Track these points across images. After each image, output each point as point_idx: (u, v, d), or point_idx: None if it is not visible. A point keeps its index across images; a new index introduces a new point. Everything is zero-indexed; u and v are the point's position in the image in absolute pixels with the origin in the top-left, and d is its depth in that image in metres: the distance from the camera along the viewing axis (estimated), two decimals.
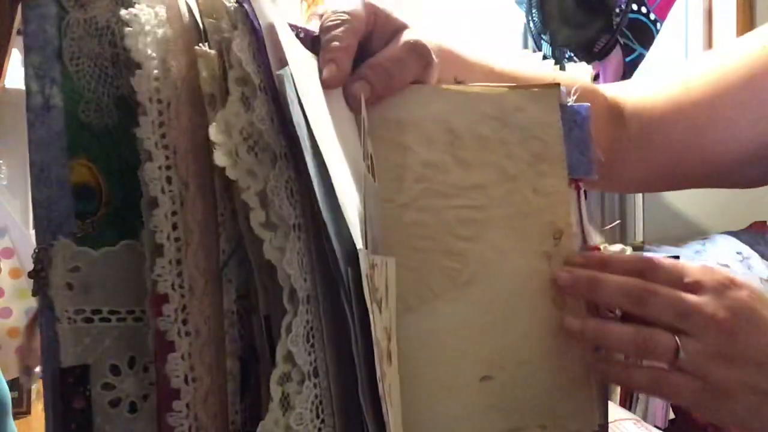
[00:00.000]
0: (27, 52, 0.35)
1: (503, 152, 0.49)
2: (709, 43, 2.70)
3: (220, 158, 0.33)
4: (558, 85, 0.51)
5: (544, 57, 2.39)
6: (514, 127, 0.50)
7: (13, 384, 1.26)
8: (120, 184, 0.37)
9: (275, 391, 0.31)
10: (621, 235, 2.56)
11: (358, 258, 0.32)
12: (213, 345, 0.34)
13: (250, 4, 0.36)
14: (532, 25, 2.45)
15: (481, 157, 0.49)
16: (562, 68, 0.65)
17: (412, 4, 2.33)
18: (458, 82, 0.52)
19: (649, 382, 0.49)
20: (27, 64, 0.35)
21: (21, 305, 1.24)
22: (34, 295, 0.34)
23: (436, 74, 0.51)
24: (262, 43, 0.35)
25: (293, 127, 0.34)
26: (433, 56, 0.50)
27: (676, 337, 0.49)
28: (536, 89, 0.52)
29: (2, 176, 1.18)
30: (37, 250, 0.34)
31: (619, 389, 1.80)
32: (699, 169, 0.65)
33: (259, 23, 0.35)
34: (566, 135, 0.50)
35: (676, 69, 0.67)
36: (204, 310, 0.34)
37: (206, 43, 0.36)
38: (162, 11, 0.35)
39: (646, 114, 0.65)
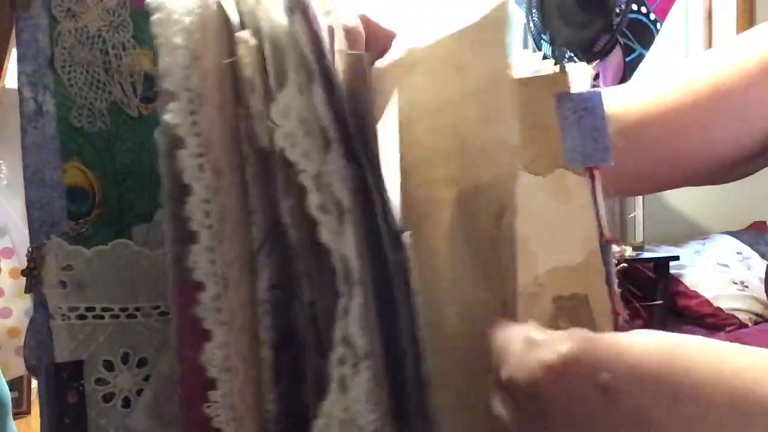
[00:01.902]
0: (20, 60, 0.36)
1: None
2: (709, 43, 2.70)
3: (280, 140, 0.33)
4: (565, 72, 0.50)
5: (544, 57, 2.39)
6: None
7: (13, 384, 1.27)
8: (114, 185, 0.38)
9: (334, 373, 0.32)
10: (621, 235, 2.56)
11: (401, 241, 0.33)
12: (247, 334, 0.34)
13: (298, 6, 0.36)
14: (532, 25, 2.46)
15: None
16: (563, 68, 0.64)
17: (412, 4, 2.33)
18: None
19: None
20: (20, 72, 0.36)
21: (21, 305, 1.25)
22: (27, 292, 0.35)
23: None
24: (318, 29, 0.35)
25: (354, 111, 0.35)
26: None
27: None
28: (541, 76, 0.50)
29: (2, 176, 1.19)
30: (30, 249, 0.35)
31: None
32: (675, 172, 0.65)
33: (313, 10, 0.36)
34: (576, 123, 0.50)
35: (656, 74, 0.68)
36: (237, 299, 0.34)
37: (243, 31, 0.36)
38: (203, 6, 0.36)
39: (622, 119, 0.65)
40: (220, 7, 0.37)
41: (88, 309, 0.36)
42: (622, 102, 0.65)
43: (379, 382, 0.33)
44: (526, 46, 2.56)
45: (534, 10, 2.43)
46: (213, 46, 0.36)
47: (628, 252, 2.43)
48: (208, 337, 0.33)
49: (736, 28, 2.59)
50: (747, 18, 2.61)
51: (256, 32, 0.36)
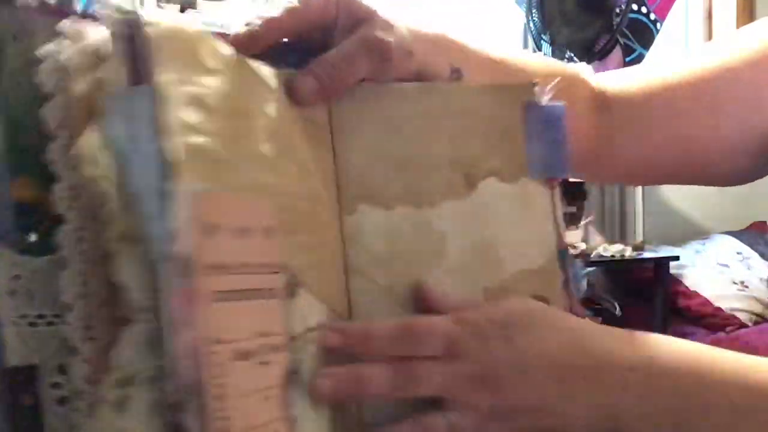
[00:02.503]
0: None
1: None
2: None
3: (87, 175, 0.36)
4: (532, 84, 0.51)
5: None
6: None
7: None
8: None
9: (109, 393, 0.34)
10: (621, 235, 2.56)
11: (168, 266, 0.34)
12: (113, 349, 0.36)
13: (126, 26, 0.37)
14: (532, 25, 2.46)
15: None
16: (532, 81, 0.64)
17: (412, 3, 2.34)
18: (453, 69, 0.52)
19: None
20: None
21: None
22: None
23: (410, 65, 0.50)
24: (134, 66, 0.37)
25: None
26: (395, 50, 0.49)
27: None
28: (506, 86, 0.52)
29: None
30: None
31: None
32: (681, 159, 0.64)
33: (138, 44, 0.37)
34: (540, 135, 0.51)
35: (661, 61, 0.68)
36: (104, 317, 0.37)
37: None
38: (76, 43, 0.38)
39: (630, 101, 0.63)
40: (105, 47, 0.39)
41: (38, 316, 0.38)
42: (631, 84, 0.64)
43: (160, 404, 0.35)
44: (526, 46, 2.56)
45: (534, 10, 2.44)
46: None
47: (628, 252, 2.43)
48: (75, 352, 0.37)
49: (736, 28, 2.58)
50: (747, 18, 2.60)
51: None
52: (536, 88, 0.51)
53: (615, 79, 0.65)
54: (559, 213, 0.52)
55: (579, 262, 0.65)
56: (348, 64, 0.48)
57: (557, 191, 0.52)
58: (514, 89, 0.52)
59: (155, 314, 0.34)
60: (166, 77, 0.37)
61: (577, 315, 0.50)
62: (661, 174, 0.70)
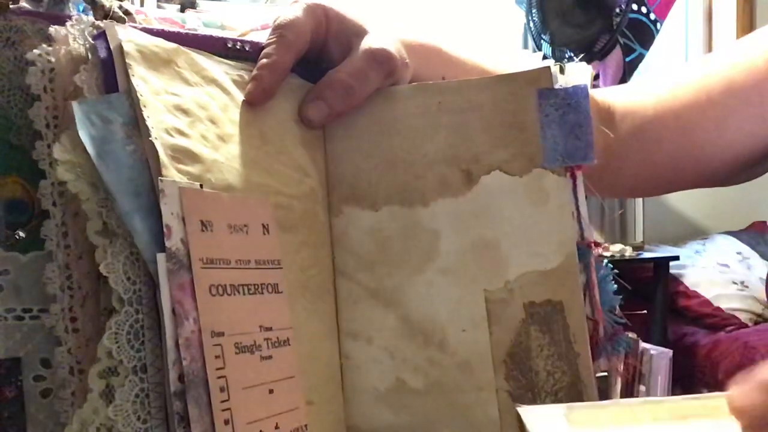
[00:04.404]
0: None
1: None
2: (709, 43, 2.70)
3: (63, 174, 0.36)
4: (547, 68, 0.48)
5: (544, 57, 2.40)
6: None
7: None
8: None
9: (95, 383, 0.35)
10: (621, 235, 2.56)
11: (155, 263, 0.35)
12: (97, 341, 0.37)
13: (101, 37, 0.38)
14: (532, 25, 2.46)
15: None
16: (562, 69, 0.63)
17: (411, 3, 2.35)
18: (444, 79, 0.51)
19: None
20: None
21: None
22: None
23: (407, 75, 0.50)
24: (108, 73, 0.38)
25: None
26: (399, 61, 0.48)
27: None
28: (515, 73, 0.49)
29: None
30: None
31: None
32: (691, 169, 0.64)
33: (110, 54, 0.38)
34: (558, 120, 0.47)
35: (667, 72, 0.67)
36: (89, 309, 0.37)
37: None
38: (64, 48, 0.39)
39: (638, 115, 0.63)
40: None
41: (24, 310, 0.39)
42: (637, 97, 0.64)
43: (157, 394, 0.36)
44: (526, 46, 2.56)
45: (534, 10, 2.44)
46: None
47: (628, 252, 2.43)
48: (59, 342, 0.38)
49: (736, 28, 2.59)
50: (747, 18, 2.60)
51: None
52: (552, 72, 0.48)
53: (622, 95, 0.64)
54: (582, 205, 0.47)
55: (606, 263, 0.57)
56: (360, 82, 0.47)
57: (580, 181, 0.47)
58: (525, 76, 0.49)
59: (139, 306, 0.35)
60: (142, 86, 0.38)
61: (597, 323, 0.46)
62: (669, 185, 0.70)
